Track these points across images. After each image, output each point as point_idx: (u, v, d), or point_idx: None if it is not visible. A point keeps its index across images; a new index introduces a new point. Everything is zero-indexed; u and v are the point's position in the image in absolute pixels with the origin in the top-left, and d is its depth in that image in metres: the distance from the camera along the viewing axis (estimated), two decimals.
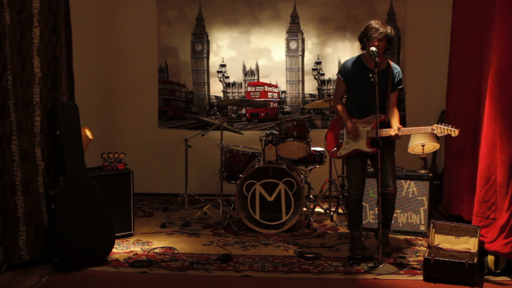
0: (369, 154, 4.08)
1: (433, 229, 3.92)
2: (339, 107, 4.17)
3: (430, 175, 4.70)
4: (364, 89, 4.01)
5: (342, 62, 6.18)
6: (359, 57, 4.13)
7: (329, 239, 4.62)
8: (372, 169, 4.25)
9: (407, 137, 4.87)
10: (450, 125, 3.81)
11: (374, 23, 3.96)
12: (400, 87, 4.13)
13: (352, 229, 4.21)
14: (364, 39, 4.00)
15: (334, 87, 4.56)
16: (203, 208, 5.35)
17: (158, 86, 6.40)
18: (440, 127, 3.83)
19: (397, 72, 4.10)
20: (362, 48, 4.08)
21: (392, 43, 4.06)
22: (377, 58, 3.85)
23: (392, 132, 3.94)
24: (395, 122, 4.03)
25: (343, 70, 4.15)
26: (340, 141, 4.15)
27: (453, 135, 3.79)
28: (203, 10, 6.27)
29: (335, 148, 4.19)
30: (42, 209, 3.87)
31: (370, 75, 3.92)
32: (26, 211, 3.78)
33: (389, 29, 3.96)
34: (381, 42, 3.93)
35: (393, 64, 4.12)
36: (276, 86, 6.33)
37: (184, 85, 6.38)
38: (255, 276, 3.73)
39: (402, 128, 3.96)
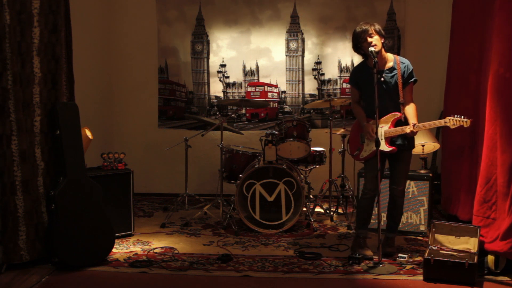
0: (387, 154, 4.06)
1: (433, 229, 3.92)
2: (356, 110, 4.17)
3: (430, 175, 4.69)
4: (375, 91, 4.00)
5: (342, 62, 6.27)
6: (364, 61, 4.13)
7: (329, 239, 4.62)
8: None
9: None
10: (462, 116, 3.80)
11: (358, 28, 3.98)
12: (413, 79, 4.05)
13: (359, 227, 4.18)
14: (359, 45, 3.99)
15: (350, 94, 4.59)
16: (203, 208, 5.34)
17: (158, 86, 6.40)
18: (452, 119, 3.82)
19: (405, 67, 4.03)
20: (363, 56, 4.08)
21: (385, 36, 4.03)
22: (376, 58, 3.86)
23: (408, 129, 3.92)
24: (411, 118, 3.97)
25: (353, 78, 4.18)
26: (361, 143, 4.14)
27: (465, 126, 3.78)
28: (203, 10, 6.27)
29: (357, 151, 4.17)
30: (42, 209, 3.87)
31: (379, 76, 3.93)
32: (26, 211, 3.78)
33: (376, 25, 3.96)
34: (373, 37, 3.92)
35: (400, 59, 4.07)
36: (276, 86, 6.33)
37: (184, 85, 6.38)
38: (255, 276, 3.73)
39: (417, 124, 3.92)
